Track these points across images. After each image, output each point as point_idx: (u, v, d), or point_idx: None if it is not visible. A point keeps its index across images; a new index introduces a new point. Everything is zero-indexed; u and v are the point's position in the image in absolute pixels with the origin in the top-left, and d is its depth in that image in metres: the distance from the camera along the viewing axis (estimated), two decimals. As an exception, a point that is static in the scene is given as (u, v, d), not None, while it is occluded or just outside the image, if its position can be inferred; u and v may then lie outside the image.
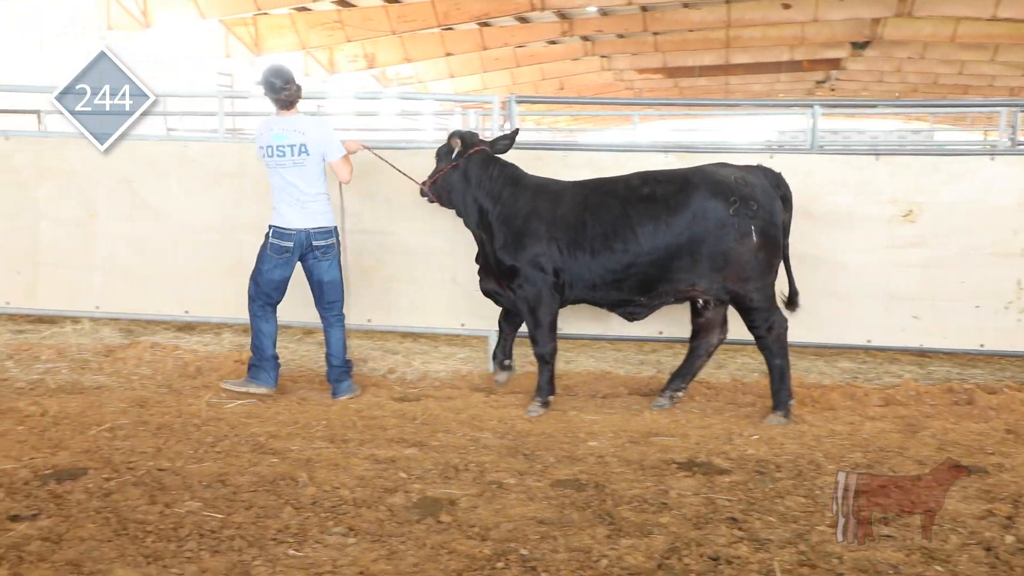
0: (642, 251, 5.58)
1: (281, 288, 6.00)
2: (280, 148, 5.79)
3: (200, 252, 7.24)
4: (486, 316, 6.81)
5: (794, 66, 29.47)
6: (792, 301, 5.93)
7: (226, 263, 7.17)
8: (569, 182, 5.98)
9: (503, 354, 6.33)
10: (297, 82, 5.92)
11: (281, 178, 5.85)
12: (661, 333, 6.91)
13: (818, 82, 33.25)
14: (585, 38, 27.15)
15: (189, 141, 7.53)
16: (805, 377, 6.67)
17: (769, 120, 22.58)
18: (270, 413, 5.62)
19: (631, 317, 5.91)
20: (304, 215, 5.88)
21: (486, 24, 24.66)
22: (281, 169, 5.83)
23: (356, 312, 7.04)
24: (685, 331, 6.19)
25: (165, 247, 7.30)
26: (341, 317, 6.16)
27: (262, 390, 5.98)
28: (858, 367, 7.21)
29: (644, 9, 23.37)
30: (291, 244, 5.87)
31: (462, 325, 7.14)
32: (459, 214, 6.09)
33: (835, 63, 29.71)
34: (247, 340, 7.54)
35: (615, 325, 6.68)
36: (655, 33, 25.73)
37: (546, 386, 5.89)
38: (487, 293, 6.14)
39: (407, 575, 3.43)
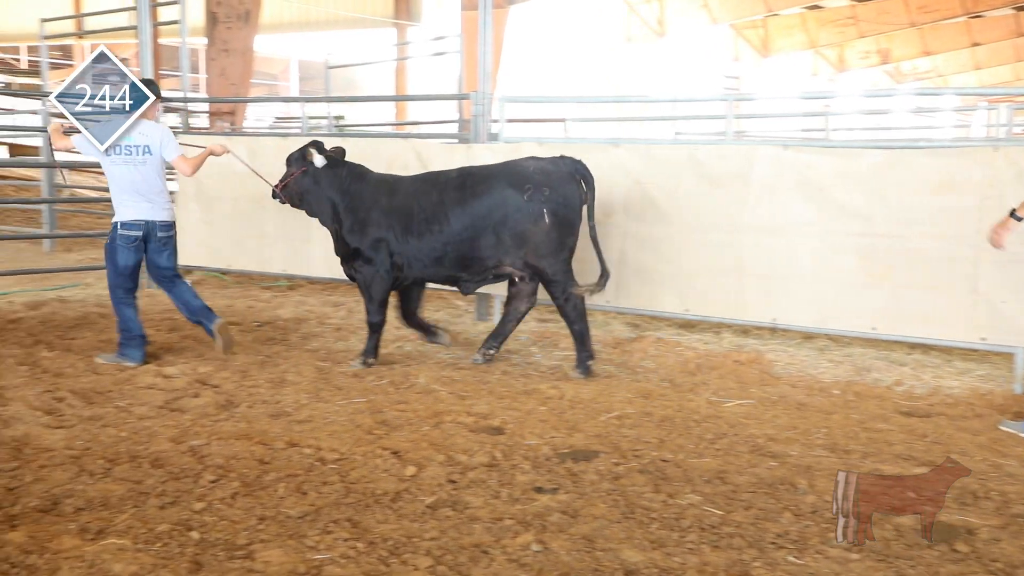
0: (454, 232, 6.44)
1: (135, 274, 6.73)
2: (127, 148, 6.53)
3: (702, 252, 7.35)
4: (1013, 331, 6.13)
5: None
6: (600, 283, 6.46)
7: (727, 263, 7.24)
8: (405, 176, 6.87)
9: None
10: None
11: (125, 175, 6.55)
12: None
13: None
14: None
15: (699, 144, 7.71)
16: None
17: None
18: (768, 416, 5.59)
19: (464, 291, 6.76)
20: (150, 208, 6.60)
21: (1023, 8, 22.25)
22: (126, 167, 6.54)
23: (859, 320, 6.75)
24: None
25: (670, 246, 7.48)
26: (180, 275, 6.90)
27: (132, 364, 6.57)
28: None
29: None
30: (140, 233, 6.60)
31: (982, 339, 6.47)
32: (310, 213, 6.89)
33: None
34: (746, 341, 7.62)
35: None
36: None
37: (371, 350, 6.77)
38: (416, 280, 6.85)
39: (916, 603, 3.19)
